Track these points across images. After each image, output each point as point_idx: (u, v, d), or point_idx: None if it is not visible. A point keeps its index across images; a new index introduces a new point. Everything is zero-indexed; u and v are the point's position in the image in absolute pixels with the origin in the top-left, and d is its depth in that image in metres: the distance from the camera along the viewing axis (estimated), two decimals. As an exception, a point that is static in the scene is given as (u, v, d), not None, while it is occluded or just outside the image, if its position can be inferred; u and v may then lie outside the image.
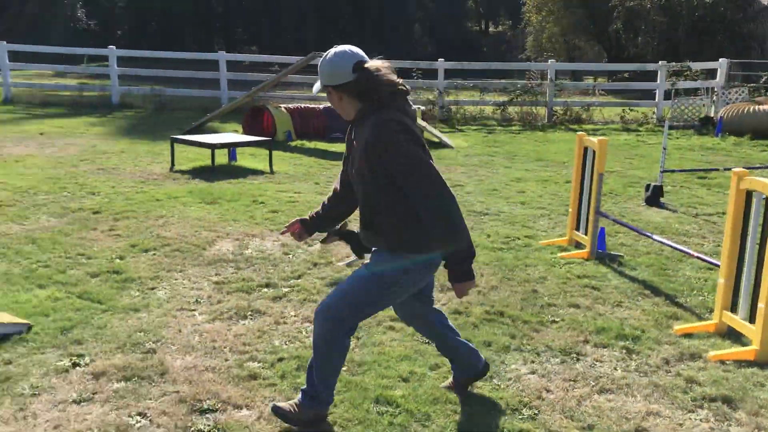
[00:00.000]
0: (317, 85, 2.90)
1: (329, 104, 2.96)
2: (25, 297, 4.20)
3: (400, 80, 2.85)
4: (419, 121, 10.87)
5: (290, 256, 5.26)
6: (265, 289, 4.57)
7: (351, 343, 3.07)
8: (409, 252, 2.87)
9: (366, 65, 2.79)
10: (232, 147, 9.06)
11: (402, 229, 2.83)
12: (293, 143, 11.21)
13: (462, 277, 2.86)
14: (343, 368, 3.24)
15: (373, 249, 3.01)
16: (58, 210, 6.41)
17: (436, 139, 11.64)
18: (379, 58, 2.88)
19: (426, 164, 2.75)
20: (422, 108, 13.55)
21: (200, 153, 9.21)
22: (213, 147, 8.63)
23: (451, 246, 2.80)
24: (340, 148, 6.01)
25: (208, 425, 2.96)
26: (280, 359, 3.57)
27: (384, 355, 3.61)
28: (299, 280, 4.73)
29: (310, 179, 8.37)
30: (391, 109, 2.80)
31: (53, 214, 6.24)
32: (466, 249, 2.83)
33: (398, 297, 2.99)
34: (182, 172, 8.55)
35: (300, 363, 3.48)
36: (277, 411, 2.99)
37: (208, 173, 8.40)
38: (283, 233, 3.29)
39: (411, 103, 2.94)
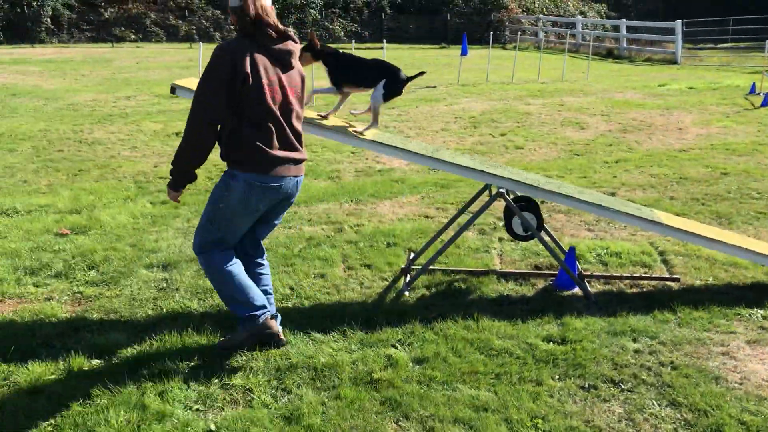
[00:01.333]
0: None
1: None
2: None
3: (275, 22, 3.27)
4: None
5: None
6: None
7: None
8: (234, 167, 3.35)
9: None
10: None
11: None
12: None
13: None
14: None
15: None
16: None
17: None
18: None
19: (200, 88, 3.22)
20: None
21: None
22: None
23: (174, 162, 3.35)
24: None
25: None
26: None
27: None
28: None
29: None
30: (246, 38, 3.27)
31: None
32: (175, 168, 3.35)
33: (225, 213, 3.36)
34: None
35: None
36: (220, 346, 3.51)
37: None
38: None
39: (287, 44, 3.32)
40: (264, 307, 3.45)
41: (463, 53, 17.74)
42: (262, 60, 3.25)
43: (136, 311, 4.06)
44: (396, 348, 3.60)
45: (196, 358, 3.48)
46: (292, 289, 4.40)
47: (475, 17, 38.90)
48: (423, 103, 13.73)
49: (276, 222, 3.66)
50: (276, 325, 3.52)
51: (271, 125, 3.29)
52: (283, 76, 3.35)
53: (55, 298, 4.27)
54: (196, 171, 3.36)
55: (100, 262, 4.80)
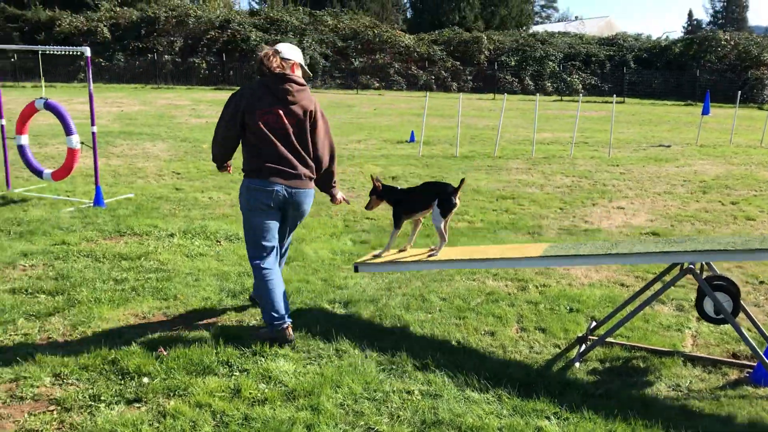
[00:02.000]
0: None
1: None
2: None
3: (276, 67, 4.19)
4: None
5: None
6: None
7: None
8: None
9: (261, 53, 4.25)
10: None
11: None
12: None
13: None
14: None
15: None
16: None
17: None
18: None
19: (222, 116, 4.28)
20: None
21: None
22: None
23: None
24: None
25: None
26: None
27: None
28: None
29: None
30: (258, 80, 4.32)
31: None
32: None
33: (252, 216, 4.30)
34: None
35: None
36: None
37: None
38: None
39: (289, 83, 4.20)
40: (284, 317, 4.23)
41: (705, 112, 16.49)
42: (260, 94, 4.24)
43: (308, 342, 4.29)
44: (549, 420, 3.39)
45: (349, 400, 3.58)
46: (458, 342, 4.35)
47: (728, 74, 35.97)
48: (651, 162, 12.94)
49: (290, 229, 4.59)
50: (289, 333, 4.23)
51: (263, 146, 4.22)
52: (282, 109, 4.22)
53: (244, 321, 4.66)
54: None
55: (291, 293, 5.16)
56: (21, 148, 8.60)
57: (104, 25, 38.87)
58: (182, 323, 4.58)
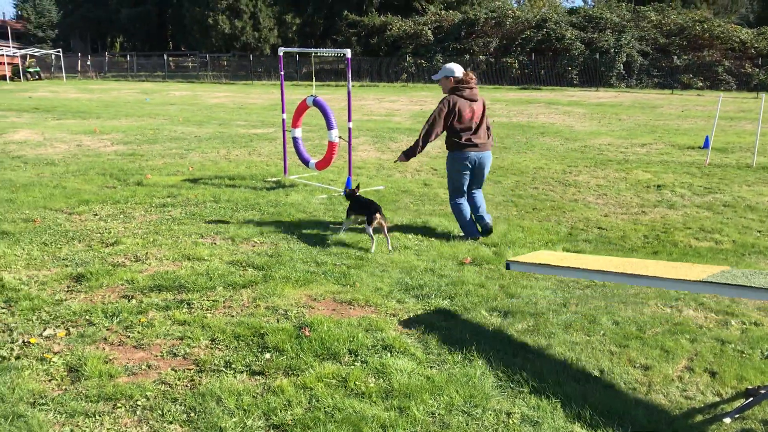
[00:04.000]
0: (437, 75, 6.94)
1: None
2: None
3: (470, 79, 6.72)
4: None
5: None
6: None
7: None
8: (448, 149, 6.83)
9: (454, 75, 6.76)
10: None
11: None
12: None
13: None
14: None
15: None
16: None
17: None
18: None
19: (434, 115, 6.63)
20: None
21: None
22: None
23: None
24: None
25: None
26: None
27: None
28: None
29: None
30: (454, 94, 6.66)
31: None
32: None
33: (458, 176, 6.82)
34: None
35: None
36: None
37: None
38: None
39: (471, 89, 6.71)
40: (472, 233, 6.83)
41: None
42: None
43: (442, 346, 4.22)
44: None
45: (443, 410, 3.48)
46: (601, 371, 3.90)
47: None
48: None
49: (480, 179, 6.92)
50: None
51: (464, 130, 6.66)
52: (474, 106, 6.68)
53: (398, 315, 4.77)
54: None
55: (457, 295, 5.11)
56: (295, 140, 9.77)
57: (429, 28, 41.56)
58: (340, 309, 4.86)
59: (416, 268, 5.80)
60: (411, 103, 25.38)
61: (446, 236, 6.92)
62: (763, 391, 3.51)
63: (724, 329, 4.52)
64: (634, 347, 4.21)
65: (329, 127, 9.10)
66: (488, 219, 6.88)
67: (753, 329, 4.51)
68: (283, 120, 10.13)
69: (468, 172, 6.74)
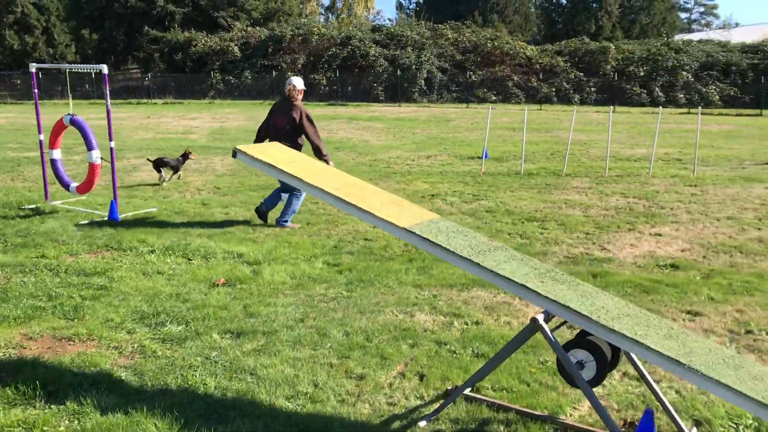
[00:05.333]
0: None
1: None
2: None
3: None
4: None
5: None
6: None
7: None
8: None
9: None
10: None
11: None
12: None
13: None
14: None
15: None
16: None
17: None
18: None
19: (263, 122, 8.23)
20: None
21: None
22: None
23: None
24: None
25: None
26: None
27: None
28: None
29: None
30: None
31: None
32: None
33: None
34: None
35: None
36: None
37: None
38: None
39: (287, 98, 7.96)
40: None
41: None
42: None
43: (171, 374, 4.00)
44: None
45: None
46: (315, 385, 3.88)
47: None
48: (740, 182, 11.46)
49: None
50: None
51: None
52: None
53: (121, 347, 4.46)
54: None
55: (194, 320, 4.90)
56: (53, 162, 9.04)
57: (236, 45, 40.97)
58: (57, 346, 4.46)
59: (161, 294, 5.51)
60: (212, 120, 24.76)
61: (207, 257, 6.69)
62: (455, 391, 3.65)
63: (446, 331, 4.71)
64: (354, 357, 4.24)
65: (89, 147, 8.52)
66: (266, 209, 8.22)
67: (472, 329, 4.74)
68: (41, 141, 9.35)
69: None
